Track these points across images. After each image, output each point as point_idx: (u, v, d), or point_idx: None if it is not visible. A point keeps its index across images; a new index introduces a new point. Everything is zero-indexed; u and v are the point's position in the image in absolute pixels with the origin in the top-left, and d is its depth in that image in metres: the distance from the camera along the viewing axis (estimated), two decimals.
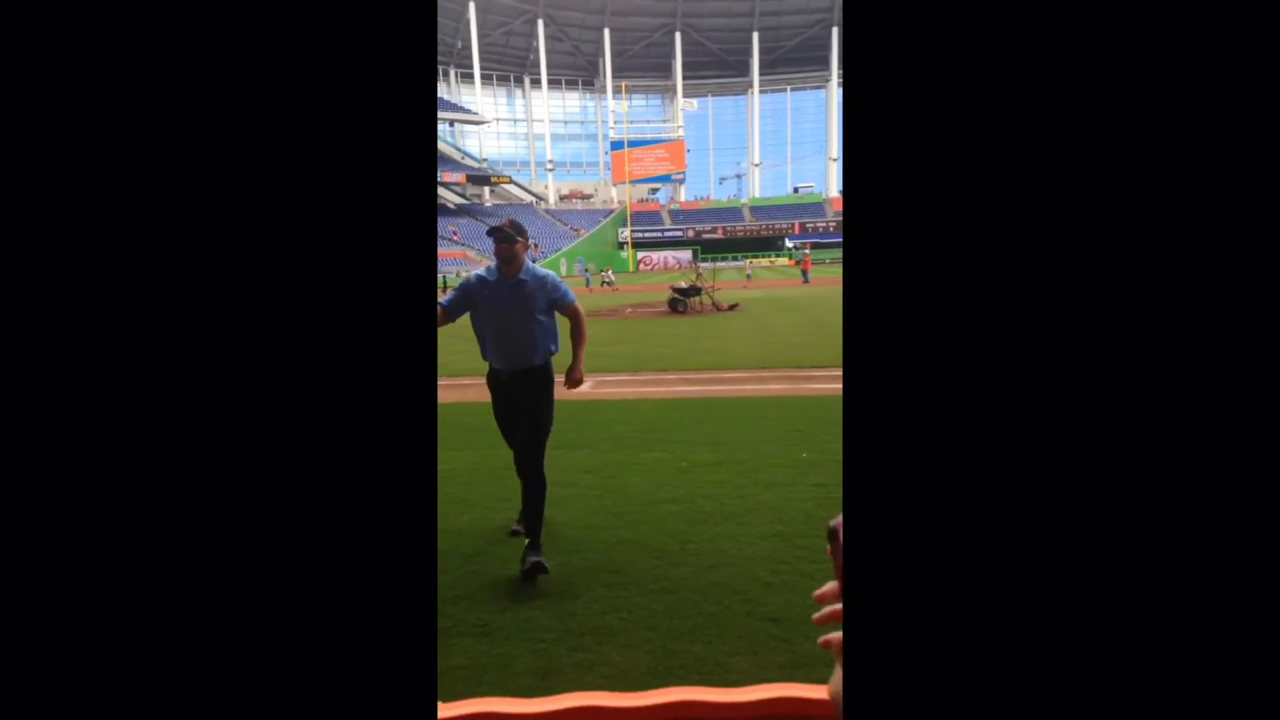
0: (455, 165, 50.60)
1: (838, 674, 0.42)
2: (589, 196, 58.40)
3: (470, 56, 54.86)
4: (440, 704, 0.95)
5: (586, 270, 38.45)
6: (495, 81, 60.59)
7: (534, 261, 2.91)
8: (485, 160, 55.51)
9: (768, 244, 49.89)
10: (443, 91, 55.38)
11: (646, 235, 50.14)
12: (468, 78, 57.48)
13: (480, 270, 2.84)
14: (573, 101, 65.24)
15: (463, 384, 6.43)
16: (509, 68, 60.67)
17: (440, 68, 58.37)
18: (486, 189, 53.24)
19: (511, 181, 53.31)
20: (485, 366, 2.92)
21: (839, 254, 45.06)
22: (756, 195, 61.98)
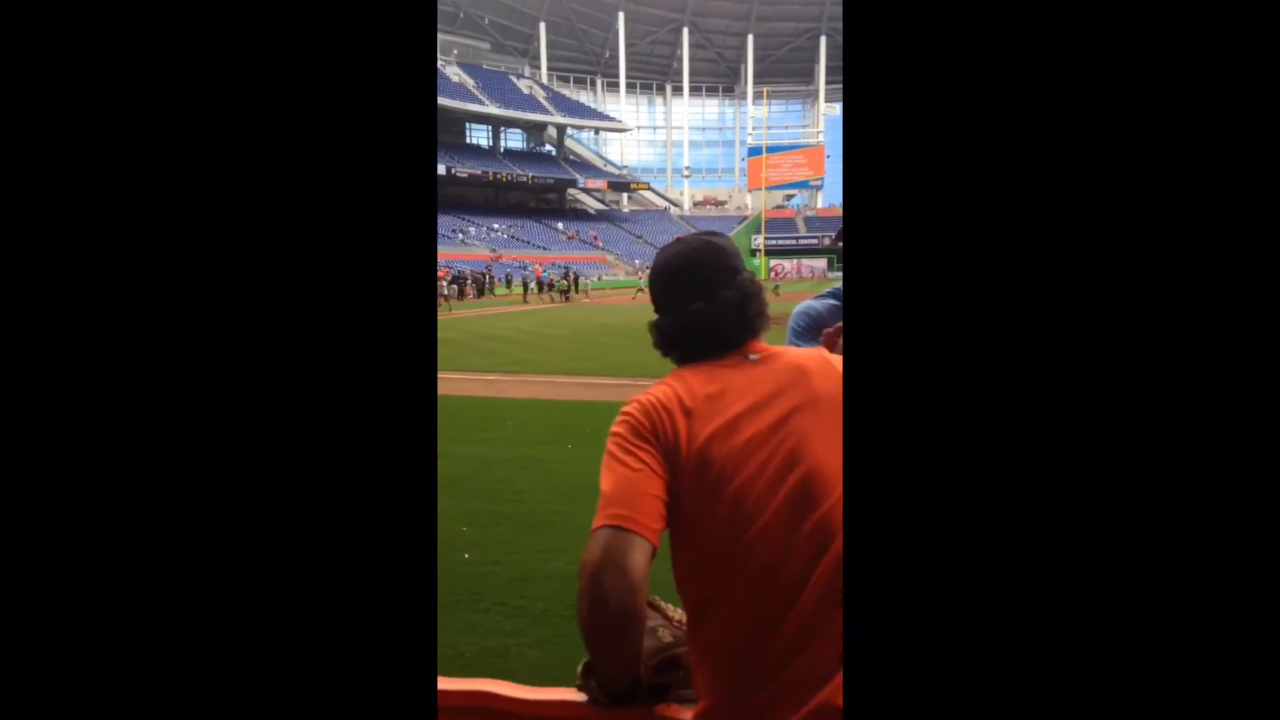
0: (597, 172, 52.26)
1: None
2: (723, 203, 58.30)
3: (617, 66, 56.55)
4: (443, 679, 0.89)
5: None
6: (639, 90, 62.05)
7: None
8: (625, 167, 56.93)
9: None
10: (588, 100, 57.39)
11: (780, 243, 49.33)
12: (613, 87, 59.27)
13: (830, 296, 1.72)
14: (711, 108, 65.47)
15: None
16: (652, 76, 61.90)
17: (587, 77, 60.62)
18: (625, 195, 54.56)
19: (649, 188, 54.30)
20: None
21: None
22: None
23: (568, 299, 25.59)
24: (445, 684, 0.87)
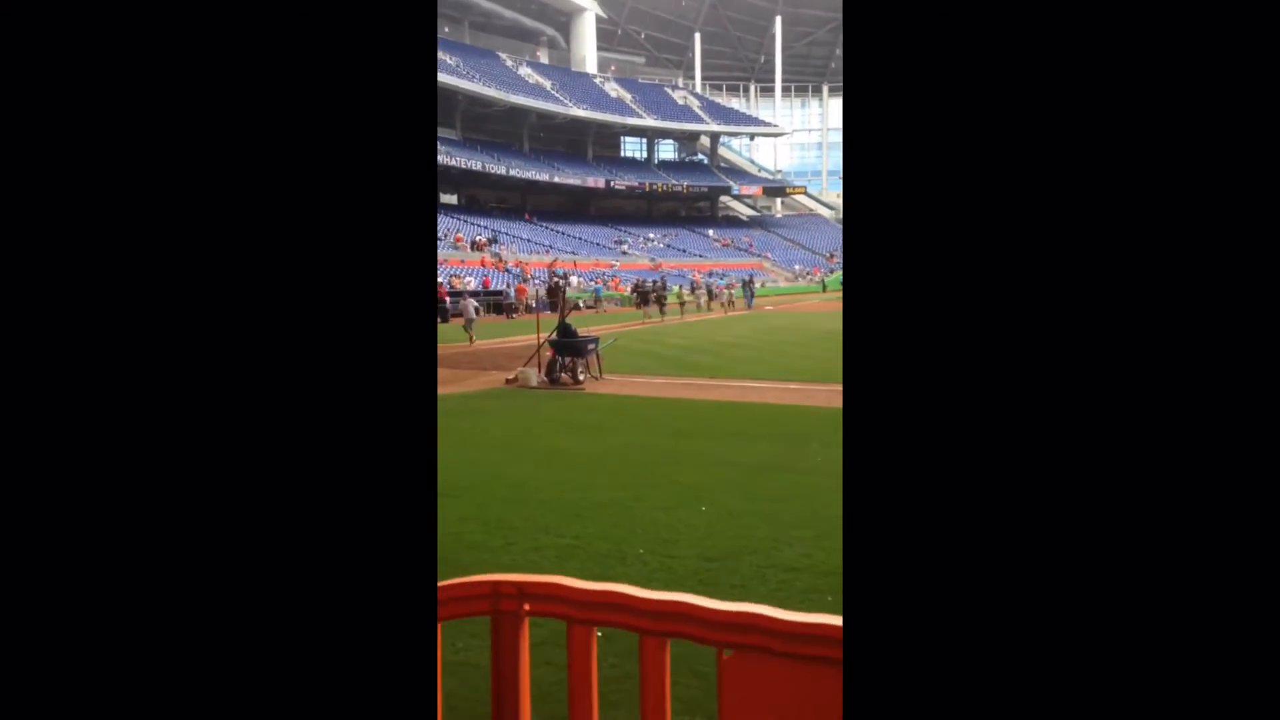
0: (751, 178, 51.74)
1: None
2: None
3: (772, 70, 55.78)
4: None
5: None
6: (794, 93, 60.92)
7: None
8: (780, 171, 55.95)
9: None
10: (741, 106, 57.06)
11: None
12: (767, 91, 58.56)
13: None
14: None
15: None
16: (808, 78, 60.55)
17: (740, 83, 60.34)
18: (779, 200, 53.60)
19: (805, 192, 52.98)
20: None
21: None
22: None
23: (750, 306, 25.40)
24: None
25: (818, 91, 61.39)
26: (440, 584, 0.78)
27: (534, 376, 8.53)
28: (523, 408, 7.34)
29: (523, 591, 0.98)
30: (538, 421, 6.66)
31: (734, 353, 11.92)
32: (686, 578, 3.12)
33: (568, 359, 8.53)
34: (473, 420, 6.64)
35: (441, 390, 8.09)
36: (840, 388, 7.30)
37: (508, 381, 8.65)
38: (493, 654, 1.05)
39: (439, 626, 0.70)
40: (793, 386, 8.33)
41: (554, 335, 8.75)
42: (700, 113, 49.67)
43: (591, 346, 8.71)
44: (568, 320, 9.05)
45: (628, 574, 3.16)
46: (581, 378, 8.50)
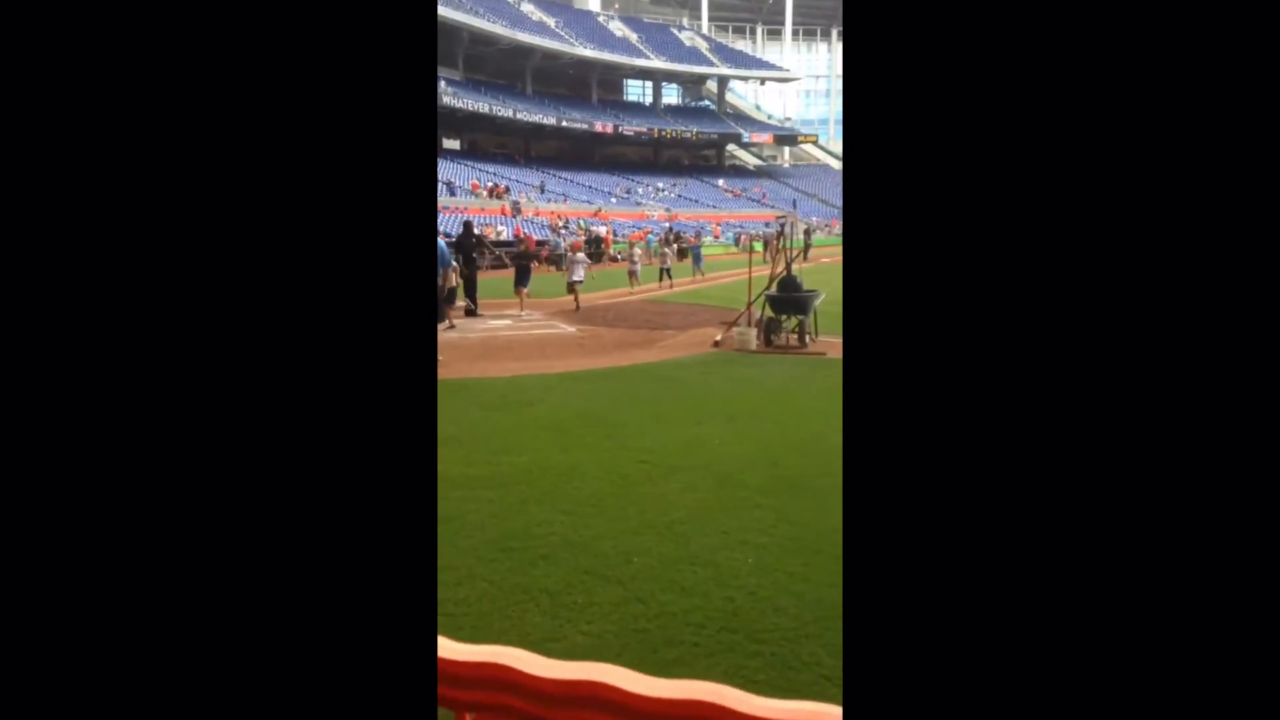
0: (761, 126, 50.10)
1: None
2: None
3: (780, 12, 53.58)
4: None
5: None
6: (801, 36, 58.79)
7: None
8: (788, 119, 54.35)
9: None
10: (748, 49, 54.87)
11: None
12: (774, 34, 56.35)
13: None
14: None
15: None
16: (816, 20, 58.41)
17: (747, 26, 57.90)
18: (786, 150, 52.20)
19: (816, 142, 51.65)
20: None
21: None
22: None
23: (807, 259, 24.50)
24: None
25: (826, 35, 59.34)
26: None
27: (753, 338, 7.57)
28: (828, 381, 6.40)
29: None
30: None
31: None
32: None
33: (785, 317, 7.57)
34: (796, 395, 5.69)
35: (636, 357, 7.09)
36: None
37: (715, 344, 7.68)
38: None
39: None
40: None
41: (771, 290, 7.77)
42: (709, 55, 47.56)
43: (816, 302, 7.75)
44: (794, 274, 8.04)
45: None
46: (808, 339, 7.57)
